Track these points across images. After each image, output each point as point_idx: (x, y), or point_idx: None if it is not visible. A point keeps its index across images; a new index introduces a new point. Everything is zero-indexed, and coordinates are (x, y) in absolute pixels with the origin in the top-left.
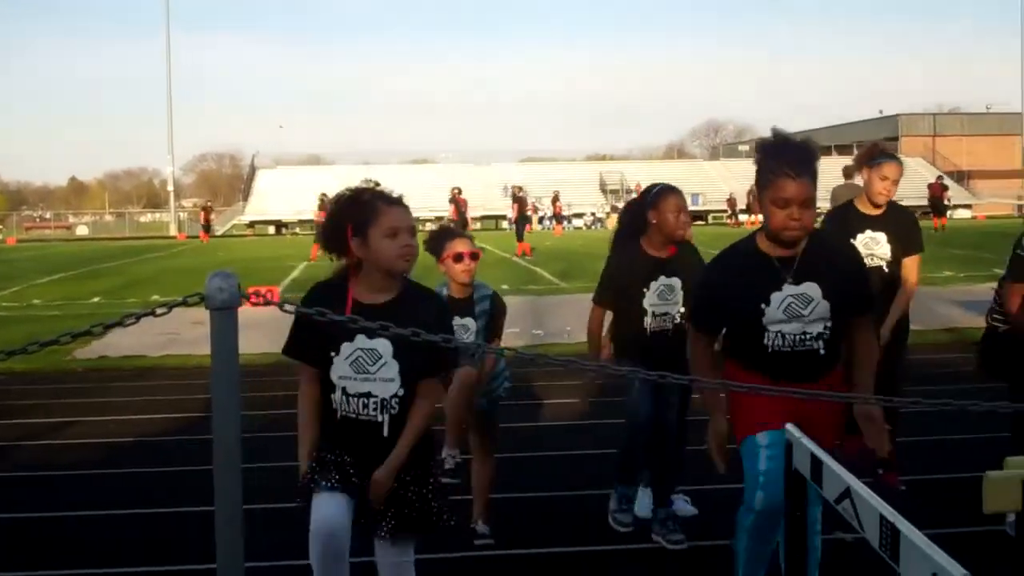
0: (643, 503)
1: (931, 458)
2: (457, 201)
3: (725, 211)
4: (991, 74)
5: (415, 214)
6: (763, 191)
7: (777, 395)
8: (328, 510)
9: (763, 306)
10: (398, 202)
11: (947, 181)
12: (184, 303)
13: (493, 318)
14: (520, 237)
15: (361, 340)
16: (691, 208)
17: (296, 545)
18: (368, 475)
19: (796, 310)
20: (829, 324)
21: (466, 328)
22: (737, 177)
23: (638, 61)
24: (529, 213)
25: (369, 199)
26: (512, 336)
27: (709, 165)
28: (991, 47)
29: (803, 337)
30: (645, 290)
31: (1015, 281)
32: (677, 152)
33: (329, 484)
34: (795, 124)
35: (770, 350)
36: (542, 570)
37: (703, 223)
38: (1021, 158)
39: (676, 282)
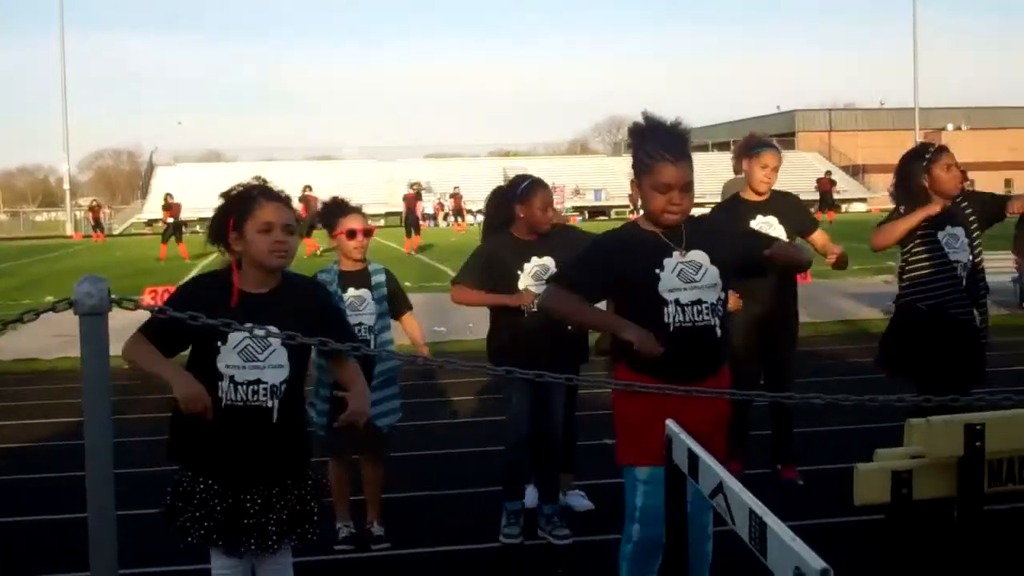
0: (530, 495)
1: (826, 449)
2: (307, 199)
3: (627, 207)
4: (885, 70)
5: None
6: (642, 176)
7: (665, 393)
8: None
9: (657, 271)
10: (277, 198)
11: (843, 175)
12: (53, 309)
13: (392, 294)
14: (409, 233)
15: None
16: (593, 204)
17: (173, 552)
18: (251, 466)
19: (689, 274)
20: (722, 296)
21: (362, 300)
22: None
23: (541, 56)
24: (433, 210)
25: (249, 194)
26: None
27: (612, 161)
28: (885, 43)
29: (699, 308)
30: (519, 272)
31: None
32: (580, 148)
33: (223, 546)
34: (695, 120)
35: (672, 328)
36: (438, 569)
37: (606, 218)
38: None
39: (550, 261)
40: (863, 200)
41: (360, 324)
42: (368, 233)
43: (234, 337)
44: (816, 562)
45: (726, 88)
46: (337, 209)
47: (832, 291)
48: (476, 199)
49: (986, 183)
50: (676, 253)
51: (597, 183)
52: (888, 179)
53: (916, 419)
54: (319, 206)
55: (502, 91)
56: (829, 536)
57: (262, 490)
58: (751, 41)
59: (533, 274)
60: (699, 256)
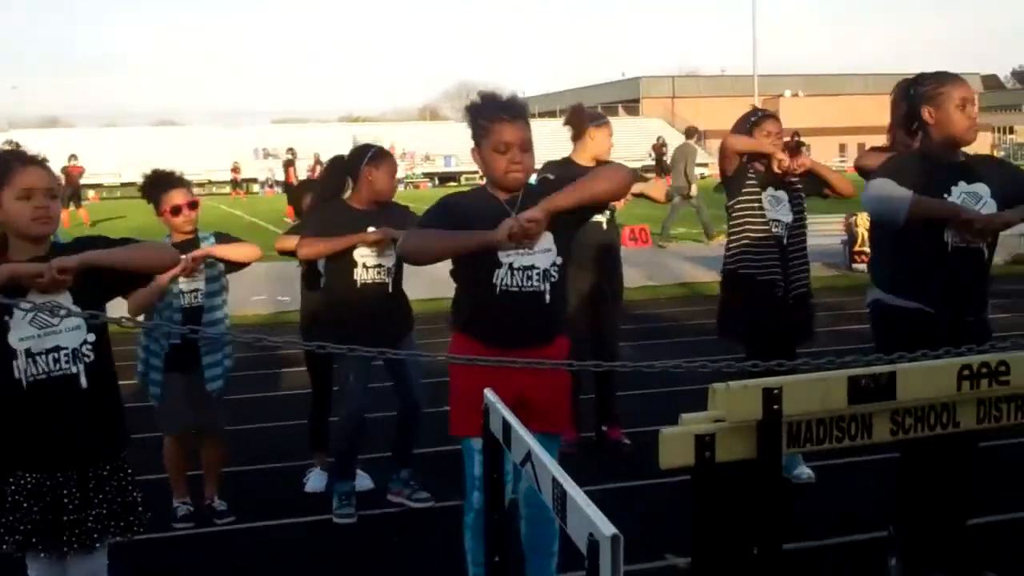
0: (317, 479)
1: (653, 411)
2: (69, 171)
3: (477, 172)
4: (727, 38)
5: None
6: (483, 142)
7: (498, 366)
8: None
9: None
10: (35, 162)
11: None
12: None
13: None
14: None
15: (36, 296)
16: (444, 170)
17: None
18: (66, 444)
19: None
20: (557, 262)
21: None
22: None
23: (391, 21)
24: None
25: (3, 161)
26: (258, 303)
27: (462, 127)
28: (727, 11)
29: (530, 274)
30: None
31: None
32: (430, 114)
33: (42, 550)
34: (542, 85)
35: (498, 290)
36: (284, 541)
37: (456, 184)
38: None
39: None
40: (704, 165)
41: (196, 290)
42: (193, 205)
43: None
44: (608, 528)
45: (573, 55)
46: (159, 184)
47: (673, 255)
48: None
49: (822, 147)
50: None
51: (447, 149)
52: None
53: (718, 384)
54: (80, 178)
55: (351, 56)
56: (651, 497)
57: (80, 481)
58: (597, 8)
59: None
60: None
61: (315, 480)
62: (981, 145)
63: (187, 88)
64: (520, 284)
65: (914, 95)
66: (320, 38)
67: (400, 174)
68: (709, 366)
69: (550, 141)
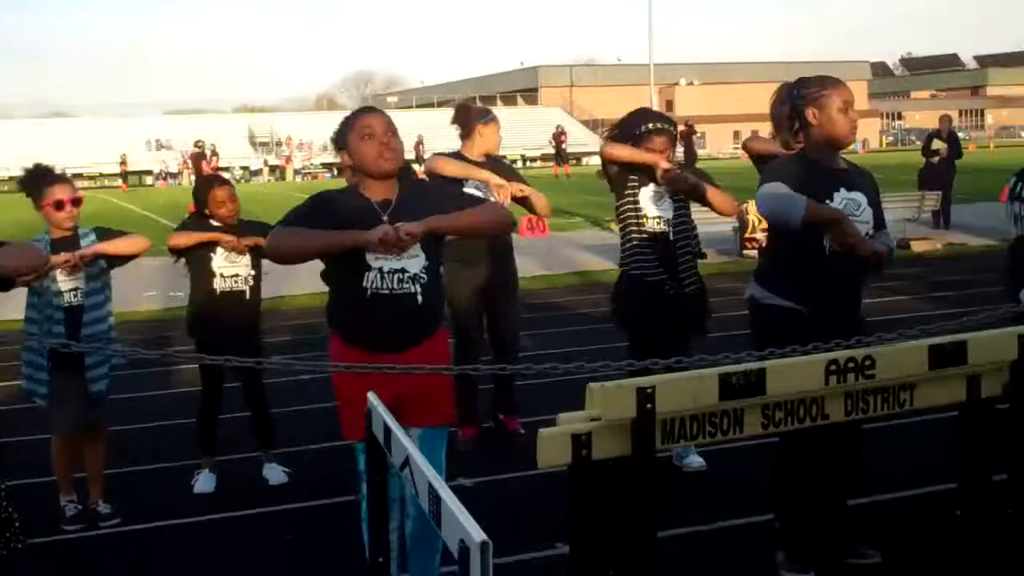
0: (206, 481)
1: (552, 400)
2: None
3: None
4: (624, 27)
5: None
6: (349, 137)
7: (377, 372)
8: None
9: None
10: None
11: (584, 130)
12: None
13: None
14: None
15: None
16: (328, 161)
17: None
18: None
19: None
20: (426, 265)
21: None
22: None
23: (286, 10)
24: (178, 168)
25: None
26: (150, 299)
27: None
28: (622, 1)
29: (402, 276)
30: (212, 254)
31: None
32: (327, 103)
33: None
34: (442, 75)
35: (369, 293)
36: (173, 542)
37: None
38: (651, 103)
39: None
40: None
41: (76, 289)
42: (77, 202)
43: None
44: (478, 535)
45: (472, 44)
46: (40, 178)
47: (569, 243)
48: (226, 156)
49: (717, 135)
50: (385, 222)
51: None
52: None
53: (595, 383)
54: None
55: (246, 45)
56: (544, 487)
57: None
58: None
59: (226, 255)
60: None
61: (203, 482)
62: (870, 130)
63: (78, 79)
64: (391, 287)
65: (798, 96)
66: (213, 27)
67: (297, 164)
68: (611, 364)
69: (448, 131)
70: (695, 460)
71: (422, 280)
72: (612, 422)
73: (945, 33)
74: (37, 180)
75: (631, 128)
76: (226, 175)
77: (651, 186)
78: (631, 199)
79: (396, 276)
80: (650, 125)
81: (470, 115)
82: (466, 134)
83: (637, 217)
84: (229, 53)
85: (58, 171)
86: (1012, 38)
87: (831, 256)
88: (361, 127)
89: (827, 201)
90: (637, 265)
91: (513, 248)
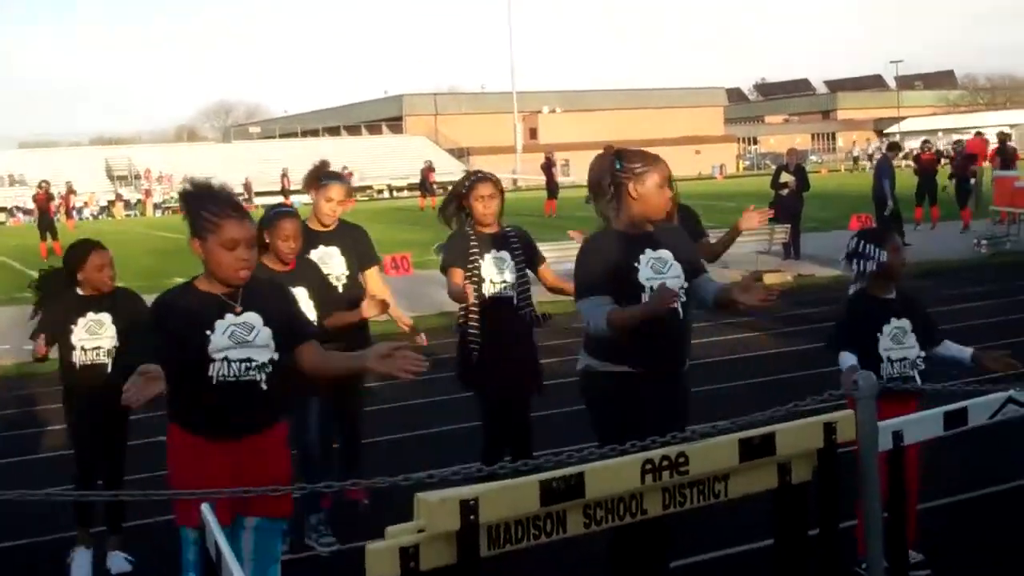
0: (83, 559)
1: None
2: None
3: (241, 194)
4: (487, 55)
5: None
6: (207, 236)
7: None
8: None
9: (208, 333)
10: None
11: (449, 158)
12: None
13: None
14: (44, 237)
15: None
16: None
17: None
18: None
19: (241, 336)
20: (275, 357)
21: None
22: (249, 160)
23: (142, 37)
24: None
25: None
26: (3, 353)
27: (222, 147)
28: (485, 30)
29: (248, 365)
30: (72, 326)
31: (448, 265)
32: (188, 134)
33: None
34: (306, 104)
35: (214, 381)
36: None
37: None
38: (513, 134)
39: (106, 317)
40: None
41: None
42: None
43: None
44: None
45: (335, 72)
46: None
47: (433, 281)
48: (82, 191)
49: (580, 162)
50: (230, 315)
51: (207, 171)
52: (493, 160)
53: (422, 494)
54: None
55: (101, 75)
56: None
57: None
58: (359, 25)
59: (87, 328)
60: (252, 318)
61: (80, 560)
62: (727, 156)
63: None
64: (237, 375)
65: (620, 170)
66: (67, 55)
67: (157, 199)
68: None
69: (310, 159)
70: None
71: (268, 369)
72: (437, 533)
73: (796, 59)
74: None
75: (459, 187)
76: (82, 214)
77: (492, 252)
78: (471, 270)
79: (243, 364)
80: (472, 177)
81: (309, 180)
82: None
83: (477, 283)
84: (84, 82)
85: None
86: (858, 63)
87: (656, 320)
88: (226, 237)
89: (635, 264)
90: (470, 326)
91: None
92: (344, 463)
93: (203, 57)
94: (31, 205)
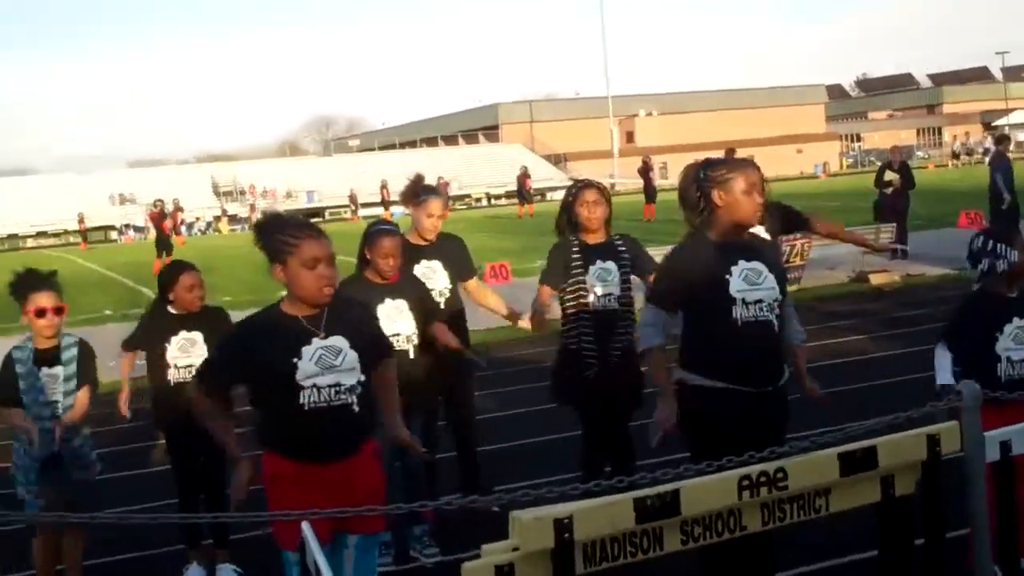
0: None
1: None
2: None
3: (344, 206)
4: (580, 61)
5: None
6: (287, 259)
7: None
8: None
9: (295, 360)
10: None
11: (546, 165)
12: None
13: (80, 362)
14: (160, 254)
15: None
16: (307, 205)
17: None
18: None
19: (328, 361)
20: (362, 379)
21: (56, 378)
22: (349, 173)
23: (242, 55)
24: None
25: None
26: (111, 370)
27: (323, 161)
28: (577, 35)
29: (338, 389)
30: (166, 344)
31: (542, 282)
32: (289, 148)
33: None
34: (403, 116)
35: (306, 408)
36: None
37: (320, 219)
38: (609, 139)
39: (198, 336)
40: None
41: (56, 401)
42: (60, 311)
43: None
44: None
45: (431, 84)
46: (27, 282)
47: (532, 289)
48: (189, 208)
49: (677, 164)
50: (316, 340)
51: (309, 184)
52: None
53: (516, 512)
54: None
55: (205, 93)
56: None
57: None
58: (450, 36)
59: (179, 347)
60: (339, 341)
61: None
62: (830, 153)
63: (36, 135)
64: (329, 400)
65: (704, 179)
66: (171, 74)
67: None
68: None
69: (409, 170)
70: None
71: (358, 391)
72: (532, 552)
73: (899, 53)
74: (24, 286)
75: (567, 197)
76: (191, 230)
77: (598, 263)
78: (576, 278)
79: (332, 389)
80: (578, 184)
81: (407, 196)
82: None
83: (577, 295)
84: (188, 100)
85: (42, 275)
86: (963, 56)
87: (743, 327)
88: (307, 256)
89: (727, 276)
90: (570, 337)
91: (465, 319)
92: (464, 475)
93: (302, 71)
94: (141, 223)
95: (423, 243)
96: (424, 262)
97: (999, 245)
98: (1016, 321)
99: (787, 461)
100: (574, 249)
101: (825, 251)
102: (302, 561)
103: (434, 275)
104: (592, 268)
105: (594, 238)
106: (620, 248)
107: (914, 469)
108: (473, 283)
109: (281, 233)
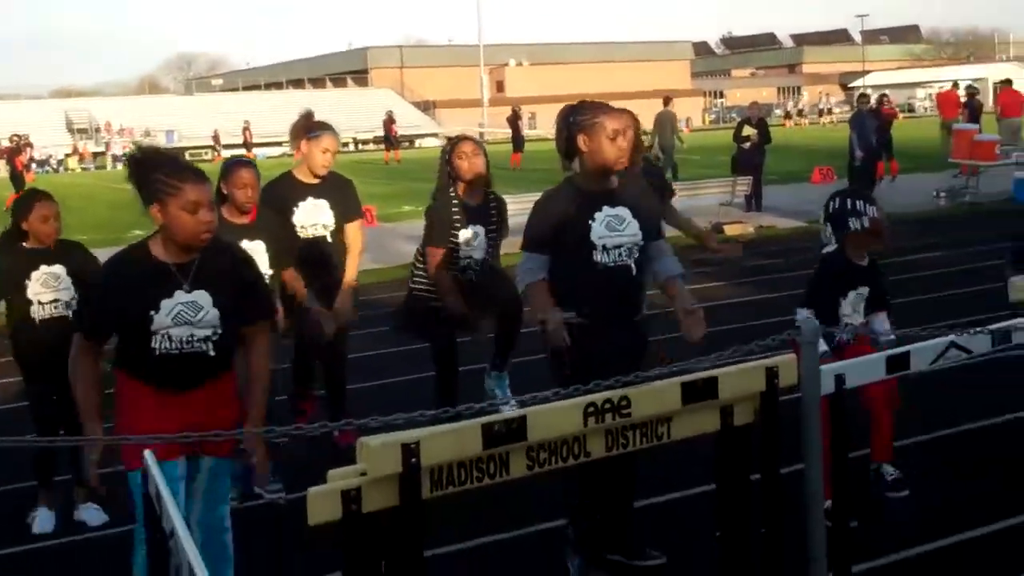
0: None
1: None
2: None
3: (205, 147)
4: (452, 9)
5: None
6: (167, 199)
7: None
8: None
9: (152, 313)
10: None
11: (415, 112)
12: None
13: None
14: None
15: None
16: (167, 145)
17: None
18: None
19: (186, 317)
20: (220, 331)
21: None
22: (212, 113)
23: None
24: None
25: None
26: None
27: (183, 100)
28: None
29: (190, 339)
30: (27, 280)
31: (433, 245)
32: (149, 86)
33: None
34: (269, 56)
35: (157, 353)
36: None
37: None
38: (479, 88)
39: (60, 269)
40: (435, 135)
41: None
42: None
43: None
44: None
45: (299, 25)
46: None
47: (397, 234)
48: (41, 144)
49: (549, 114)
50: (178, 292)
51: (168, 123)
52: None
53: (364, 438)
54: None
55: (61, 27)
56: None
57: None
58: None
59: (42, 281)
60: (202, 298)
61: (42, 521)
62: (693, 109)
63: None
64: (181, 347)
65: (573, 123)
66: (28, 7)
67: (117, 151)
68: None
69: (276, 115)
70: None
71: (214, 339)
72: (379, 477)
73: (763, 13)
74: None
75: (300, 132)
76: (43, 167)
77: (470, 226)
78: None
79: (185, 339)
80: (317, 127)
81: (297, 130)
82: (295, 150)
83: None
84: (45, 34)
85: None
86: (824, 18)
87: (604, 271)
88: (186, 199)
89: (589, 222)
90: (432, 296)
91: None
92: (333, 409)
93: (163, 6)
94: None
95: (313, 181)
96: (311, 199)
97: (857, 203)
98: (860, 288)
99: (631, 389)
100: (455, 209)
101: (684, 203)
102: (144, 485)
103: (321, 212)
104: (463, 232)
105: (473, 198)
106: (492, 211)
107: (753, 400)
108: (355, 226)
109: (161, 172)
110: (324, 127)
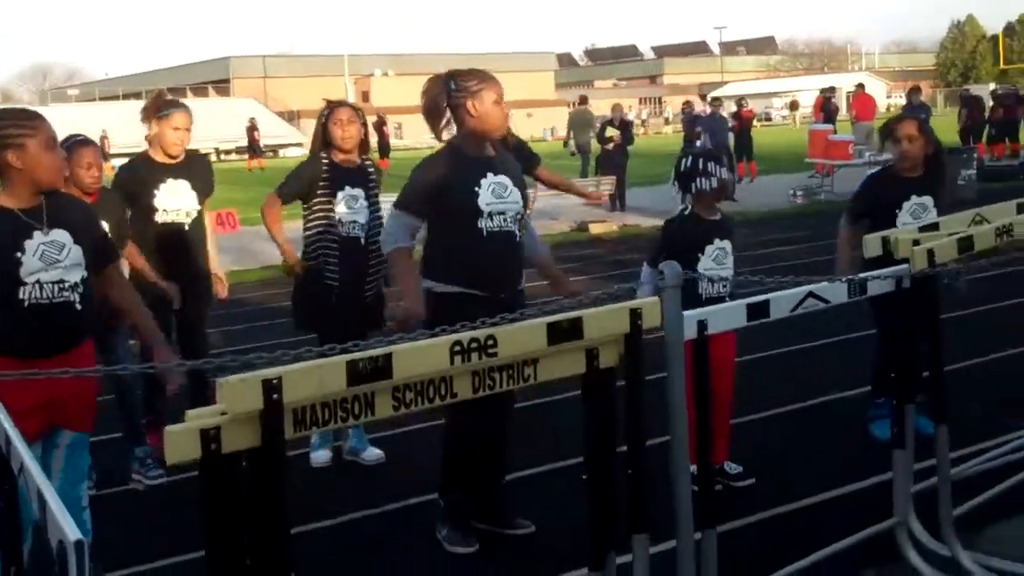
0: None
1: None
2: None
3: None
4: (314, 19)
5: None
6: (25, 141)
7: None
8: None
9: (19, 255)
10: None
11: (279, 121)
12: None
13: None
14: None
15: None
16: None
17: None
18: None
19: (52, 256)
20: (86, 275)
21: None
22: (67, 122)
23: None
24: None
25: None
26: None
27: (37, 111)
28: None
29: (62, 286)
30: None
31: (275, 192)
32: (2, 97)
33: None
34: (127, 67)
35: (27, 304)
36: None
37: None
38: (345, 97)
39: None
40: (299, 145)
41: None
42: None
43: None
44: (74, 534)
45: (157, 35)
46: None
47: (259, 237)
48: None
49: (414, 126)
50: (37, 234)
51: None
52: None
53: (224, 378)
54: None
55: None
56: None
57: None
58: None
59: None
60: (62, 236)
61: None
62: (558, 119)
63: None
64: (51, 297)
65: (457, 89)
66: None
67: None
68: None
69: (135, 127)
70: (373, 453)
71: (80, 289)
72: (240, 415)
73: (625, 25)
74: None
75: (151, 113)
76: None
77: (346, 189)
78: (321, 202)
79: (56, 287)
80: (167, 105)
81: (148, 111)
82: (148, 132)
83: (324, 219)
84: None
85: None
86: (684, 30)
87: (489, 237)
88: (46, 137)
89: (476, 189)
90: (311, 259)
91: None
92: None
93: (19, 18)
94: None
95: (169, 161)
96: (170, 181)
97: (710, 163)
98: (717, 243)
99: (497, 329)
100: (324, 167)
101: (548, 202)
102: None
103: (182, 194)
104: (340, 193)
105: (347, 160)
106: (371, 175)
107: (617, 343)
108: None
109: (9, 120)
110: (174, 104)
